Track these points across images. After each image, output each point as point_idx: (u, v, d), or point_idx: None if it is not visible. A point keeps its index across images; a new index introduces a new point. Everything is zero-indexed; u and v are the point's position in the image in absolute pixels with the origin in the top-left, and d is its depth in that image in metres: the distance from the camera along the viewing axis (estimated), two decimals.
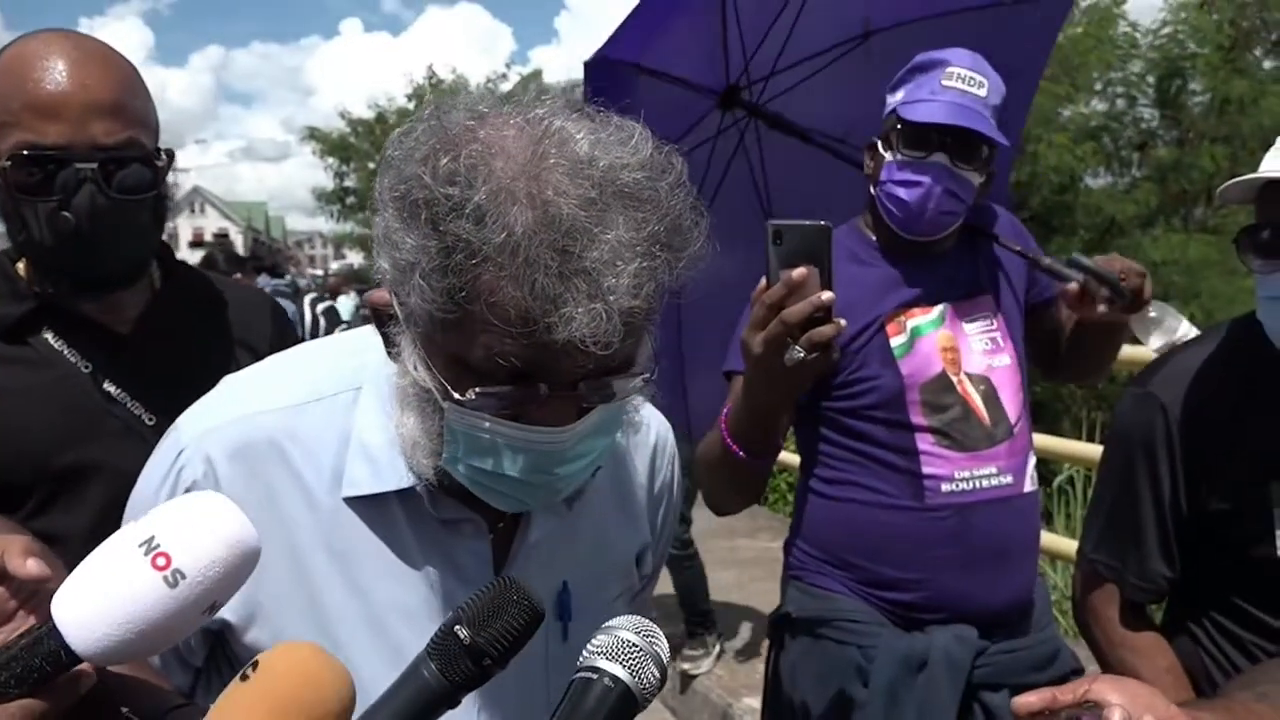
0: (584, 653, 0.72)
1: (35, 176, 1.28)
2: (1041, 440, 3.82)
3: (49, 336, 1.38)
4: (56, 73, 1.29)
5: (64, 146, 1.28)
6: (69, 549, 1.20)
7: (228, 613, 0.96)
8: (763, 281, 1.36)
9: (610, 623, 0.75)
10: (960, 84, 1.81)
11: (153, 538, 0.73)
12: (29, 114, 1.28)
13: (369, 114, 20.87)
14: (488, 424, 0.85)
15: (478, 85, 20.57)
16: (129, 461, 1.28)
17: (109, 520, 1.20)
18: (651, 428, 1.18)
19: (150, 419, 1.40)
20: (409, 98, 20.53)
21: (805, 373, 1.36)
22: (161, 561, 0.72)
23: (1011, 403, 1.90)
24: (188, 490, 0.97)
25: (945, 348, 1.88)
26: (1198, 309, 9.86)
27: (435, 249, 0.80)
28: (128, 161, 1.32)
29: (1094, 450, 4.56)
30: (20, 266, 1.43)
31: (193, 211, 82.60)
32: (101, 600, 0.72)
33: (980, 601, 1.83)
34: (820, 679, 1.86)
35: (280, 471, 0.97)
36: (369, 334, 0.97)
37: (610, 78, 1.99)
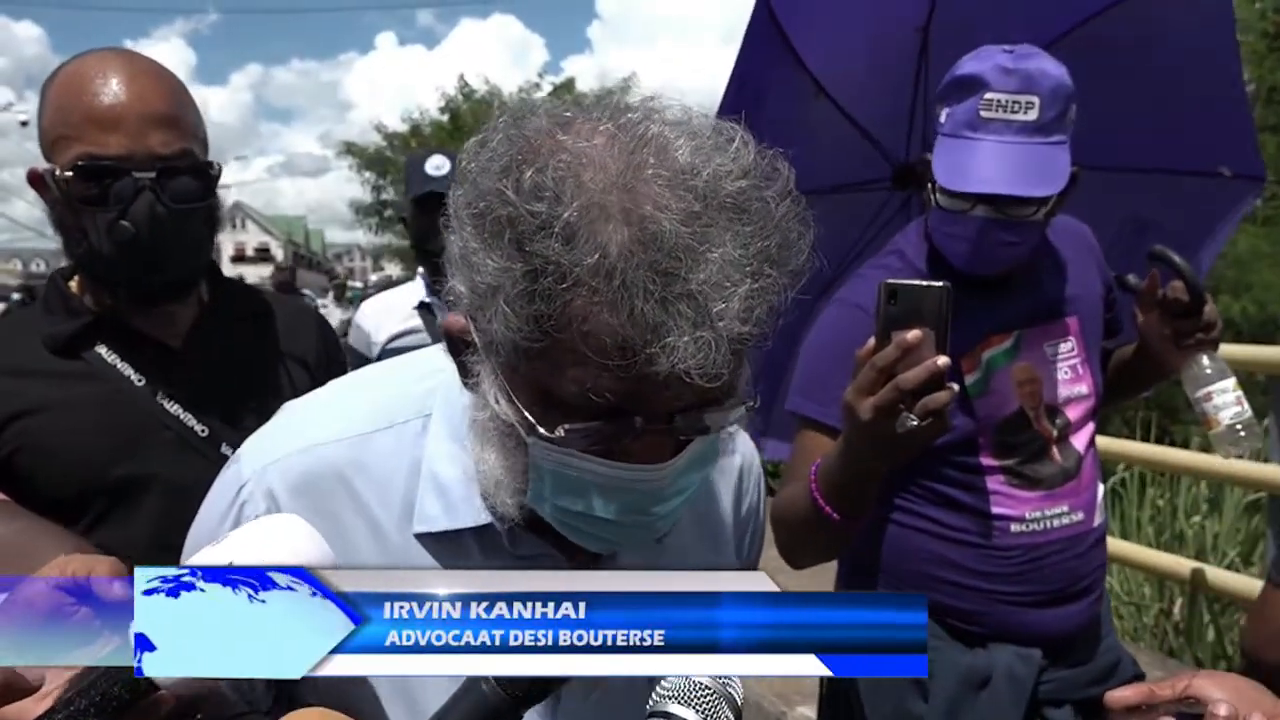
0: (655, 694, 0.68)
1: (94, 188, 1.32)
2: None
3: (102, 350, 1.41)
4: (114, 86, 1.32)
5: (123, 157, 1.31)
6: (127, 555, 1.22)
7: None
8: (870, 341, 1.29)
9: None
10: (1002, 114, 1.59)
11: (231, 563, 0.70)
12: (89, 126, 1.32)
13: (403, 127, 21.08)
14: (578, 462, 0.78)
15: (510, 95, 20.70)
16: (183, 473, 1.32)
17: (165, 532, 1.23)
18: (737, 450, 1.09)
19: (203, 430, 1.41)
20: (441, 110, 20.68)
21: (917, 440, 1.29)
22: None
23: (1084, 435, 1.81)
24: None
25: (1022, 380, 1.76)
26: (1250, 301, 9.64)
27: (520, 272, 0.72)
28: (182, 171, 1.36)
29: (1147, 450, 4.45)
30: (73, 284, 1.46)
31: (234, 227, 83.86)
32: None
33: (1045, 632, 1.77)
34: (877, 690, 1.81)
35: (347, 506, 0.91)
36: (438, 356, 0.91)
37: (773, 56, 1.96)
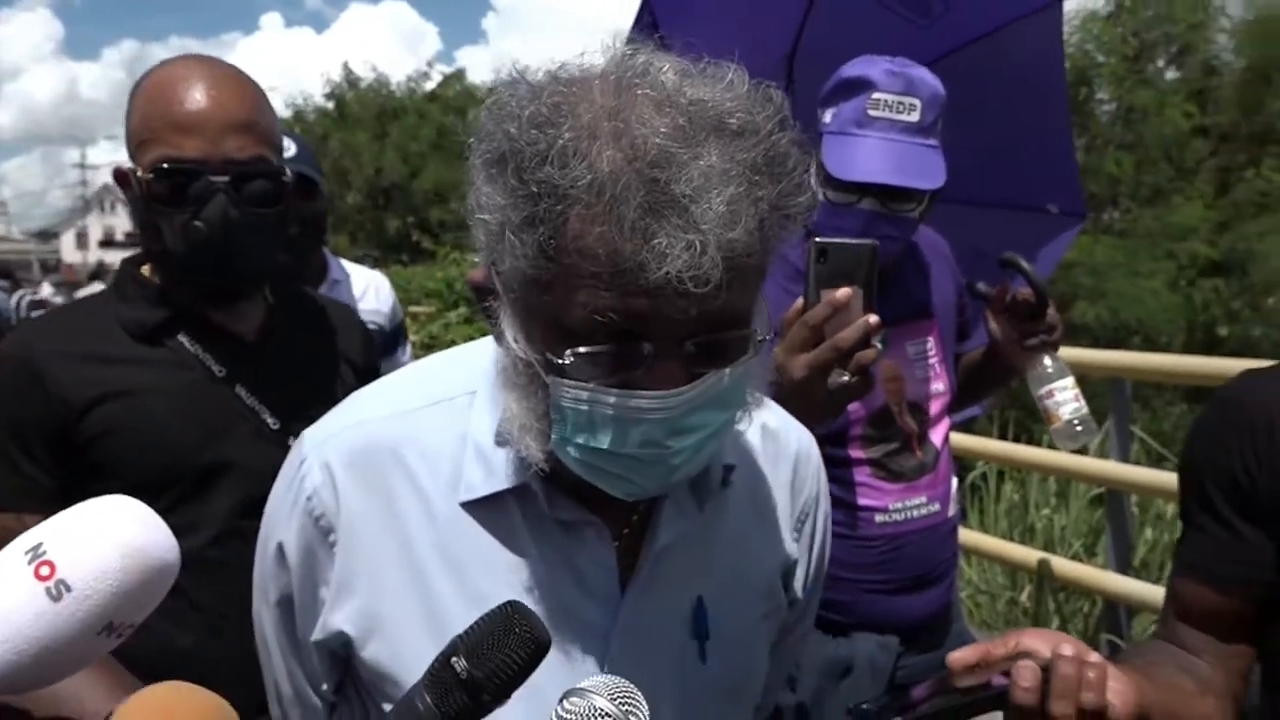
0: (554, 715, 0.67)
1: (171, 188, 1.38)
2: (956, 438, 3.92)
3: (184, 340, 1.45)
4: (195, 93, 1.39)
5: (200, 160, 1.37)
6: (199, 538, 1.35)
7: (348, 625, 0.92)
8: (798, 300, 1.30)
9: (585, 685, 0.68)
10: (888, 113, 1.69)
11: (40, 545, 0.65)
12: (170, 130, 1.37)
13: (287, 113, 20.47)
14: (592, 393, 0.79)
15: (399, 84, 20.31)
16: (259, 462, 1.36)
17: (239, 517, 1.36)
18: (792, 438, 1.09)
19: (274, 423, 1.47)
20: (327, 97, 20.18)
21: (847, 397, 1.32)
22: (45, 571, 0.64)
23: (941, 431, 1.91)
24: (309, 499, 0.93)
25: (888, 377, 1.84)
26: (1104, 308, 10.24)
27: (523, 199, 0.76)
28: (256, 176, 1.41)
29: (1002, 447, 4.69)
30: (145, 271, 1.50)
31: (103, 210, 79.88)
32: None
33: (903, 617, 1.86)
34: None
35: (399, 478, 0.93)
36: (488, 343, 0.94)
37: None
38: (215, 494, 1.41)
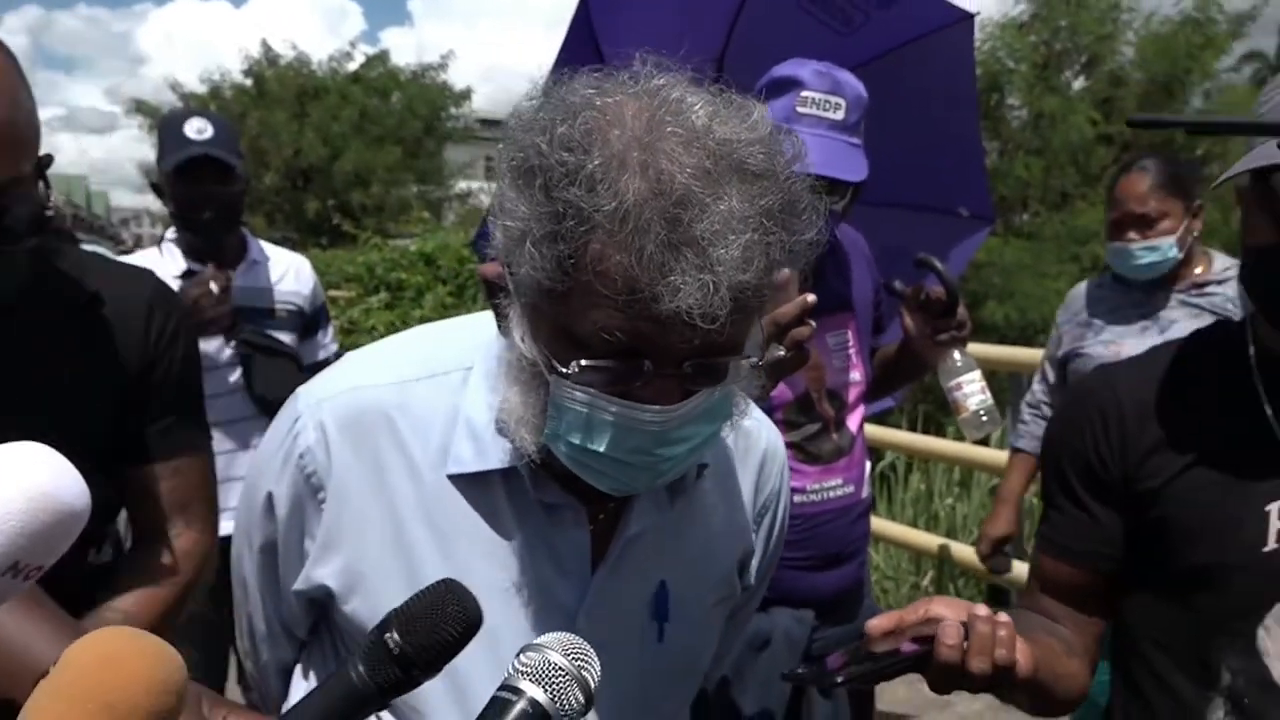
0: (510, 668, 0.69)
1: None
2: (867, 429, 4.07)
3: None
4: None
5: None
6: None
7: (331, 580, 0.97)
8: None
9: (541, 640, 0.71)
10: (815, 110, 1.82)
11: None
12: None
13: (202, 88, 19.86)
14: (591, 399, 0.84)
15: (320, 62, 19.79)
16: None
17: None
18: (762, 436, 1.15)
19: None
20: (245, 73, 19.62)
21: (782, 371, 1.40)
22: None
23: (856, 418, 2.04)
24: (301, 456, 0.98)
25: (810, 367, 1.93)
26: (1012, 308, 10.59)
27: (547, 215, 0.79)
28: (12, 204, 1.11)
29: (909, 438, 4.87)
30: None
31: None
32: None
33: (819, 592, 1.99)
34: None
35: (389, 443, 0.97)
36: (488, 316, 0.97)
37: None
38: None
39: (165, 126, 2.72)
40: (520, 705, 0.66)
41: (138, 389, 1.38)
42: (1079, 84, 12.06)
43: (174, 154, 2.57)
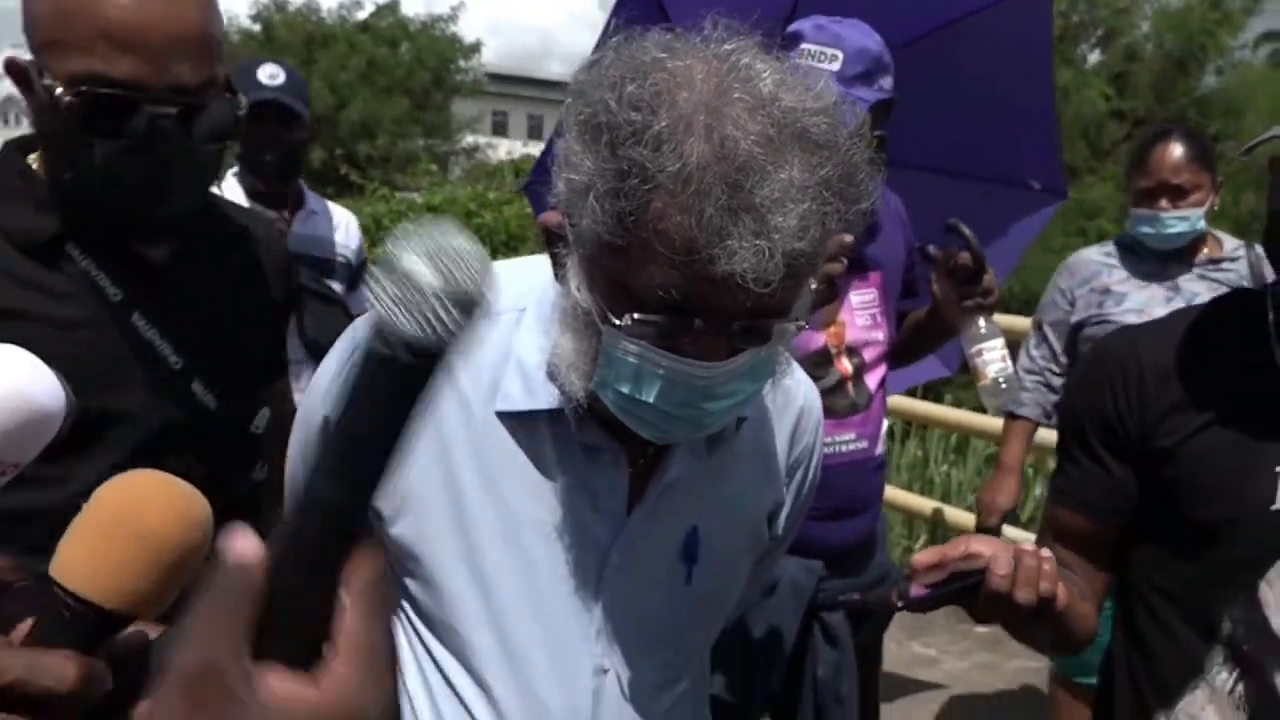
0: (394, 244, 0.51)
1: (100, 115, 1.08)
2: None
3: (74, 253, 1.18)
4: None
5: (141, 85, 1.08)
6: (65, 491, 1.04)
7: (380, 502, 0.97)
8: None
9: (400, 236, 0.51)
10: (811, 61, 1.85)
11: None
12: (99, 40, 1.07)
13: None
14: (643, 351, 0.86)
15: (329, 10, 19.60)
16: (154, 410, 1.17)
17: (122, 469, 1.08)
18: (799, 393, 1.17)
19: (177, 362, 1.23)
20: (253, 19, 19.45)
21: (814, 301, 1.43)
22: None
23: (876, 376, 2.06)
24: None
25: (829, 322, 1.99)
26: (1016, 281, 10.63)
27: (611, 172, 0.81)
28: (208, 105, 1.14)
29: (910, 404, 4.91)
30: (33, 162, 1.21)
31: (6, 123, 75.64)
32: None
33: (827, 542, 2.01)
34: None
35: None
36: (542, 260, 0.98)
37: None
38: (99, 445, 1.16)
39: (242, 71, 2.76)
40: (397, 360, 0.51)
41: (279, 321, 1.47)
42: (1094, 58, 11.99)
43: (246, 96, 2.62)
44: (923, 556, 1.06)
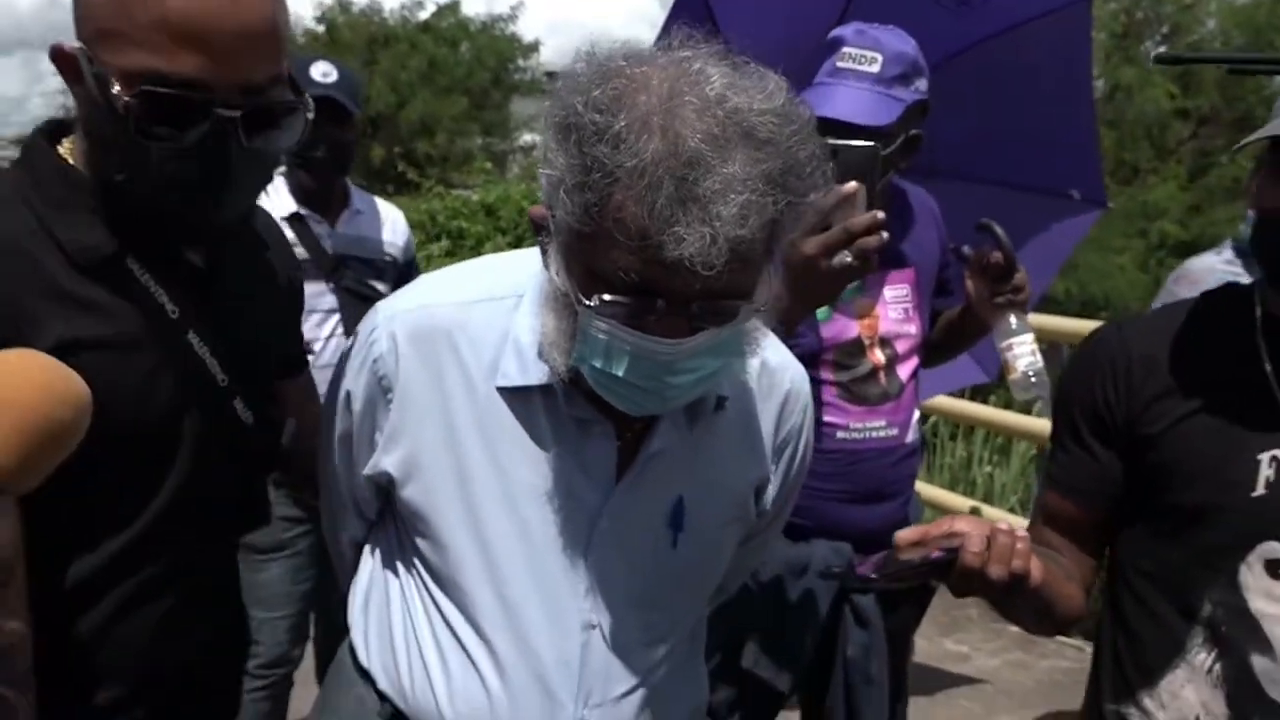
0: None
1: (159, 114, 1.00)
2: None
3: (135, 268, 1.09)
4: None
5: (204, 85, 0.99)
6: (132, 532, 1.07)
7: (393, 468, 1.12)
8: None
9: None
10: (851, 64, 1.96)
11: None
12: (160, 34, 0.98)
13: None
14: (611, 329, 0.95)
15: (391, 11, 19.88)
16: (207, 430, 1.12)
17: (182, 498, 1.10)
18: (786, 377, 1.25)
19: (223, 379, 1.16)
20: (317, 20, 19.87)
21: (847, 276, 1.51)
22: None
23: (909, 367, 2.14)
24: (375, 360, 1.12)
25: (863, 314, 2.08)
26: (1073, 282, 10.45)
27: (578, 167, 0.91)
28: (273, 104, 1.06)
29: (955, 404, 4.90)
30: (65, 152, 1.11)
31: None
32: None
33: (857, 526, 2.08)
34: None
35: (449, 356, 1.11)
36: (538, 252, 1.09)
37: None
38: (167, 469, 1.10)
39: (295, 68, 2.77)
40: None
41: (294, 324, 1.47)
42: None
43: None
44: (905, 533, 1.12)
